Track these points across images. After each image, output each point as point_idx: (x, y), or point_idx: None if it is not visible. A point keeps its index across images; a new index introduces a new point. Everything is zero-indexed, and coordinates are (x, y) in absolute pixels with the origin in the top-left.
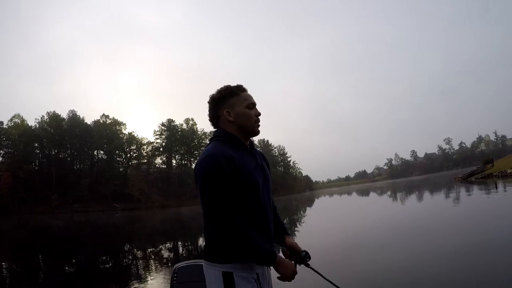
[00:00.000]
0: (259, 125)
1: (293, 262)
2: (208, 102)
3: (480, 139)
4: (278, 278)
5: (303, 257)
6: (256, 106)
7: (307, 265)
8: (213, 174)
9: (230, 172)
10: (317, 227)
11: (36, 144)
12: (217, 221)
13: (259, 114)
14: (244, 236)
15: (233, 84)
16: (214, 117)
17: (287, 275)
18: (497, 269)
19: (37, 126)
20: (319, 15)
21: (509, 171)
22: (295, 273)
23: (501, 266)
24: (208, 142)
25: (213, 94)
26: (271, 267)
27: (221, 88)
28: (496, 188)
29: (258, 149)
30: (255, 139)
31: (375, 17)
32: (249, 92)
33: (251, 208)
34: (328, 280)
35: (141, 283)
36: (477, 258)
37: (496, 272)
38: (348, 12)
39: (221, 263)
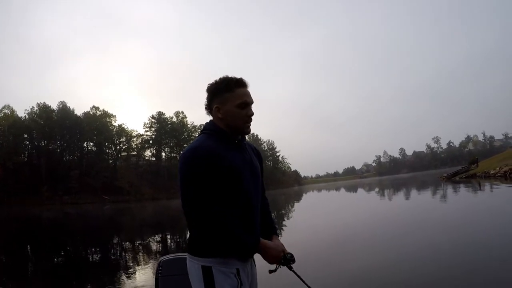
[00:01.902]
0: (249, 126)
1: (280, 247)
2: (206, 91)
3: (468, 139)
4: (270, 271)
5: (287, 259)
6: (252, 105)
7: (290, 268)
8: (193, 167)
9: (210, 165)
10: (302, 224)
11: (26, 136)
12: (195, 212)
13: (252, 114)
14: (222, 226)
15: (235, 74)
16: (208, 107)
17: (276, 260)
18: (477, 267)
19: (27, 117)
20: (311, 13)
21: (492, 172)
22: (283, 255)
23: (480, 264)
24: (198, 135)
25: (210, 84)
26: (255, 264)
27: (219, 79)
28: (480, 187)
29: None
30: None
31: (367, 17)
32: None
33: (234, 201)
34: (308, 286)
35: (128, 275)
36: (451, 255)
37: (477, 270)
38: (340, 12)
39: (201, 256)
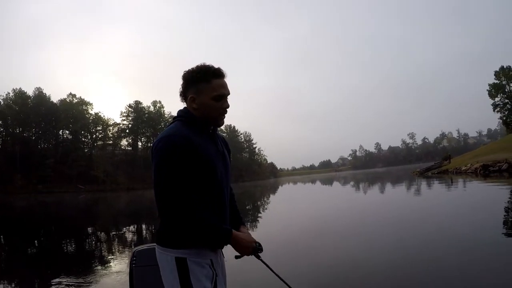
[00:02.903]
0: (223, 118)
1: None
2: (181, 78)
3: (443, 135)
4: (236, 257)
5: (255, 248)
6: (228, 97)
7: (258, 257)
8: (168, 154)
9: (186, 154)
10: (275, 217)
11: (0, 122)
12: (168, 201)
13: (227, 107)
14: (197, 216)
15: (213, 64)
16: (182, 95)
17: (250, 250)
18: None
19: (2, 103)
20: (296, 5)
21: (463, 168)
22: (256, 247)
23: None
24: (171, 121)
25: (186, 71)
26: (224, 256)
27: (196, 68)
28: (452, 182)
29: (225, 134)
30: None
31: (351, 14)
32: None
33: (207, 192)
34: (276, 274)
35: (102, 266)
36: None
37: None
38: (325, 6)
39: (174, 248)
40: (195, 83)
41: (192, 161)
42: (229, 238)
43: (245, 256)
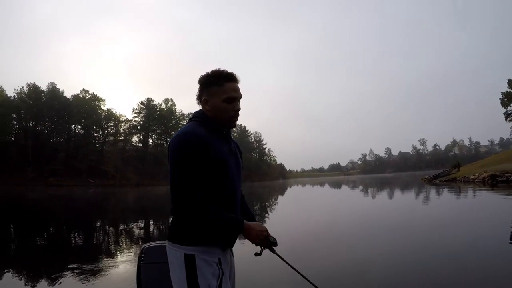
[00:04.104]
0: (235, 120)
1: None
2: (197, 82)
3: (454, 143)
4: (256, 254)
5: (270, 242)
6: (240, 100)
7: (273, 251)
8: (183, 151)
9: (200, 151)
10: (283, 218)
11: (14, 115)
12: (183, 196)
13: (238, 109)
14: (208, 208)
15: (229, 66)
16: (198, 98)
17: (260, 238)
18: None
19: (16, 97)
20: (308, 9)
21: (471, 177)
22: (267, 235)
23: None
24: (187, 122)
25: (202, 75)
26: (233, 256)
27: (211, 71)
28: (460, 191)
29: (235, 134)
30: None
31: (362, 19)
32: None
33: (220, 189)
34: (292, 267)
35: (110, 262)
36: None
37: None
38: (336, 10)
39: (183, 244)
40: (209, 86)
41: (205, 158)
42: (241, 226)
43: (257, 255)
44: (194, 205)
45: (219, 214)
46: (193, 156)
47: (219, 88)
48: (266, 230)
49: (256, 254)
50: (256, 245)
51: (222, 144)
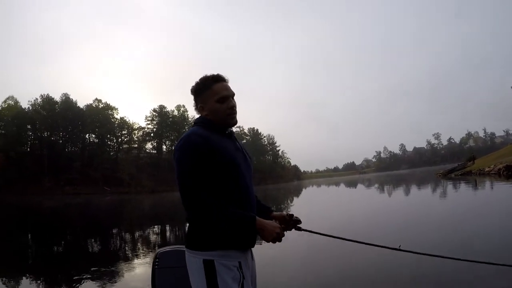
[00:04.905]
0: (233, 117)
1: (278, 224)
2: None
3: (469, 135)
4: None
5: (294, 221)
6: (235, 96)
7: (299, 229)
8: (188, 153)
9: (206, 151)
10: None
11: (29, 126)
12: (191, 197)
13: (233, 106)
14: (211, 211)
15: (215, 72)
16: (196, 107)
17: (274, 235)
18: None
19: (30, 108)
20: (318, 6)
21: (486, 169)
22: (280, 232)
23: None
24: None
25: (192, 86)
26: (254, 259)
27: (198, 80)
28: (477, 185)
29: (248, 137)
30: (245, 127)
31: (371, 15)
32: (232, 81)
33: (233, 187)
34: (325, 235)
35: (125, 266)
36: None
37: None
38: (346, 6)
39: (202, 250)
40: (200, 93)
41: (212, 158)
42: (252, 223)
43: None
44: (198, 207)
45: (225, 214)
46: (199, 158)
47: (209, 92)
48: (279, 227)
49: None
50: (268, 242)
51: (228, 142)
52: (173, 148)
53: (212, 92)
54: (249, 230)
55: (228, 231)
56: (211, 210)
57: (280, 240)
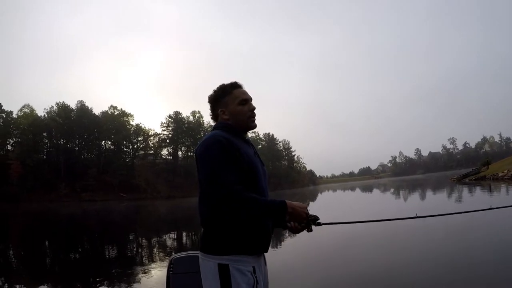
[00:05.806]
0: (253, 120)
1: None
2: (208, 102)
3: (484, 140)
4: (289, 228)
5: (313, 219)
6: (252, 101)
7: (319, 224)
8: (216, 147)
9: (232, 150)
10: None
11: (45, 134)
12: (220, 191)
13: (253, 109)
14: (249, 198)
15: (232, 80)
16: (213, 115)
17: (304, 216)
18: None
19: (46, 116)
20: (329, 12)
21: (500, 174)
22: (308, 213)
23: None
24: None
25: (210, 95)
26: (266, 264)
27: (217, 88)
28: (491, 190)
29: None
30: (260, 132)
31: (384, 20)
32: (247, 87)
33: (252, 190)
34: (345, 222)
35: (140, 272)
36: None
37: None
38: (358, 13)
39: (217, 254)
40: (220, 99)
41: (236, 158)
42: (284, 206)
43: (310, 231)
44: (233, 197)
45: (257, 198)
46: (225, 153)
47: (230, 96)
48: (306, 207)
49: (309, 230)
50: (301, 223)
51: (247, 147)
52: (193, 152)
53: (234, 97)
54: (281, 211)
55: (261, 216)
56: (244, 197)
57: (309, 221)
